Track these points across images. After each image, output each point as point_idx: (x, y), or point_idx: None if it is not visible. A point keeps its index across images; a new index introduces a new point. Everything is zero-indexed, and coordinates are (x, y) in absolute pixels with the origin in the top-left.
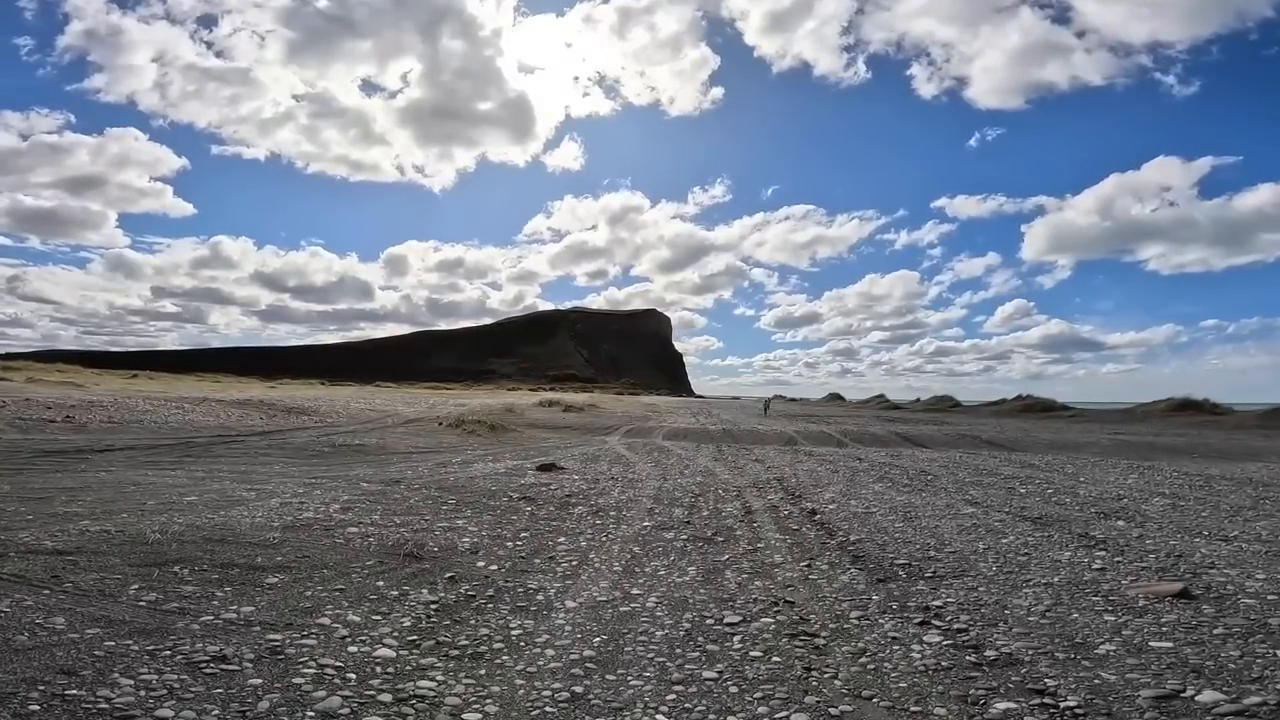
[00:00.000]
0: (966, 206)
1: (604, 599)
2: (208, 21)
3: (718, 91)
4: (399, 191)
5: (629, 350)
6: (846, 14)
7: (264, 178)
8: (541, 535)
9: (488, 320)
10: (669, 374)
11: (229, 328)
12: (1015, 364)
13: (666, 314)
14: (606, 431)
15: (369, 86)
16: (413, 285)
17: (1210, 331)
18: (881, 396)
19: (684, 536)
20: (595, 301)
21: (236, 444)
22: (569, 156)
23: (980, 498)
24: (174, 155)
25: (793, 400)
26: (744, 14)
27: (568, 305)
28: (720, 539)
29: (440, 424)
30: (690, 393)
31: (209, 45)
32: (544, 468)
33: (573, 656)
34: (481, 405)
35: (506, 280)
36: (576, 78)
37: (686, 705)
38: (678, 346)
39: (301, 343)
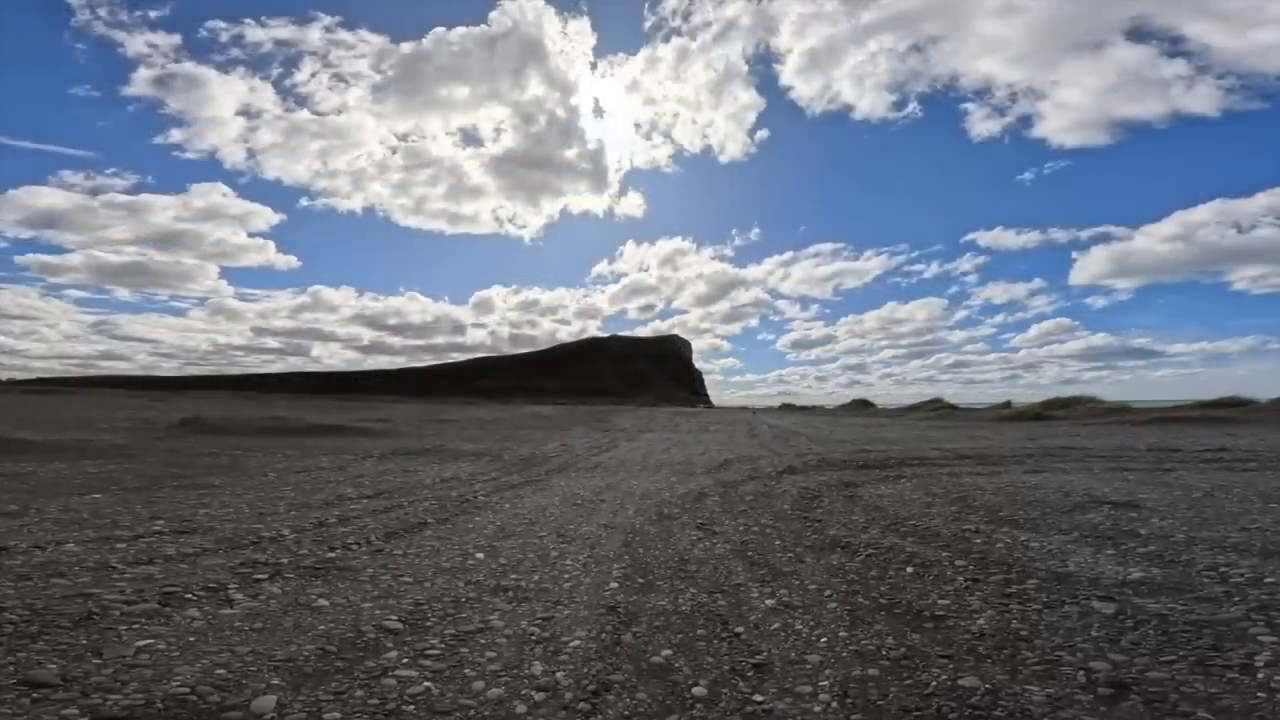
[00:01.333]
0: (1004, 238)
1: None
2: (289, 64)
3: (763, 134)
4: (492, 241)
5: (656, 369)
6: (898, 54)
7: (361, 231)
8: None
9: (544, 347)
10: (691, 388)
11: (331, 359)
12: (1045, 372)
13: (689, 339)
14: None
15: (465, 137)
16: (497, 322)
17: None
18: (938, 401)
19: None
20: (642, 331)
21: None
22: (634, 205)
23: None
24: (270, 210)
25: (803, 408)
26: (789, 50)
27: (607, 334)
28: None
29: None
30: (709, 404)
31: (297, 98)
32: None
33: None
34: (485, 417)
35: (573, 316)
36: (638, 125)
37: None
38: (702, 366)
39: (371, 368)
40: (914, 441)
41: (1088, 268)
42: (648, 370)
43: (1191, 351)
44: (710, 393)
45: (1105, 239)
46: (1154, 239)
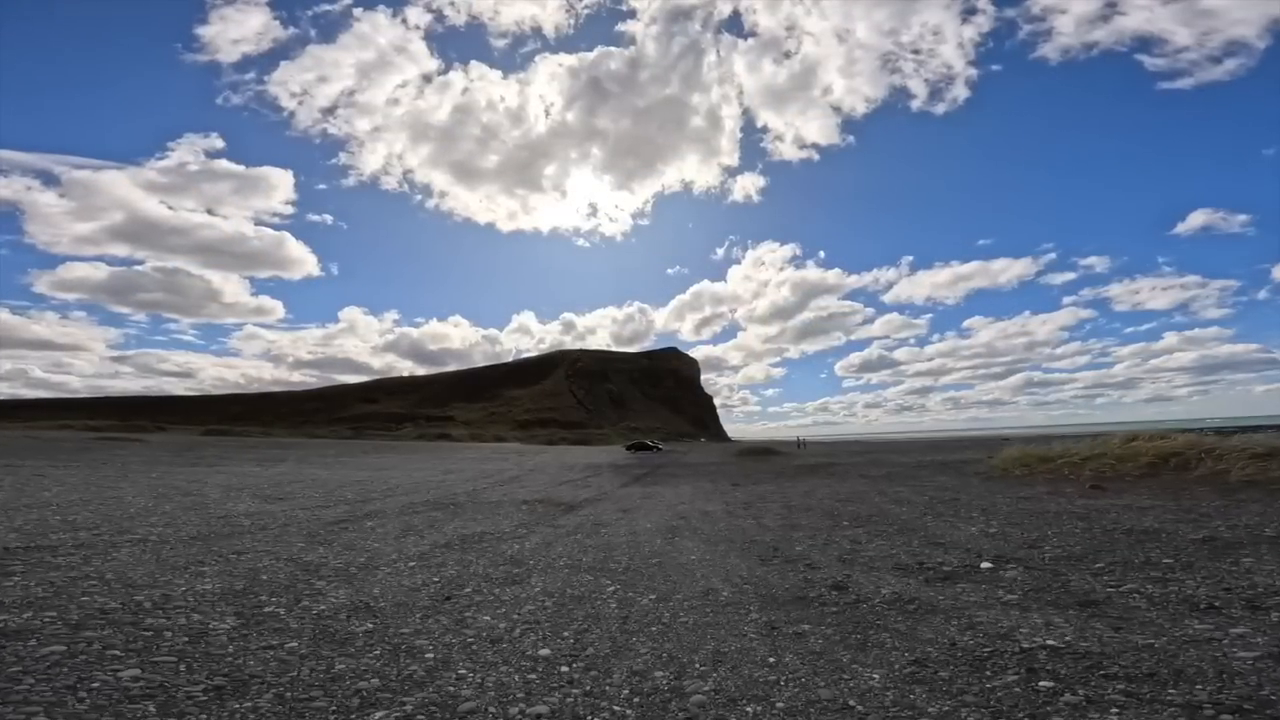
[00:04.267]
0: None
1: None
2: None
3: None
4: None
5: (638, 390)
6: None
7: None
8: None
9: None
10: (690, 416)
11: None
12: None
13: (692, 355)
14: None
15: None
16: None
17: None
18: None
19: None
20: (699, 351)
21: None
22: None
23: None
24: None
25: (864, 444)
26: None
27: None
28: None
29: None
30: (722, 436)
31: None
32: None
33: None
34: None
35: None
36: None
37: None
38: (743, 395)
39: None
40: None
41: None
42: (622, 391)
43: None
44: (742, 423)
45: None
46: None
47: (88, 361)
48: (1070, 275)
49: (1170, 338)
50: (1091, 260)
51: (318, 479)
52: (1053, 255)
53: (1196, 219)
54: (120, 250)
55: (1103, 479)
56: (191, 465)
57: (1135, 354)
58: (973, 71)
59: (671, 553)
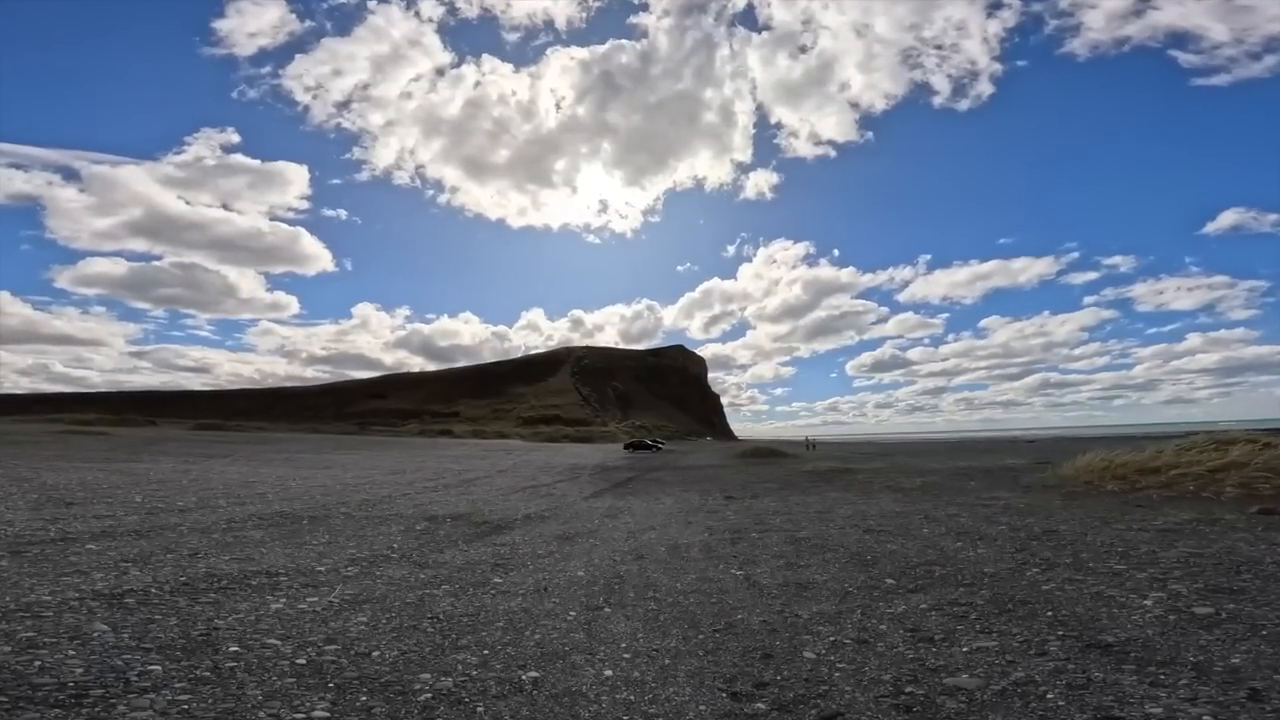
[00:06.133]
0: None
1: None
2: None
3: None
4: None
5: (643, 388)
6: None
7: None
8: None
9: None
10: (697, 414)
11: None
12: (1159, 392)
13: (699, 354)
14: None
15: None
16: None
17: None
18: None
19: None
20: (708, 349)
21: None
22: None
23: None
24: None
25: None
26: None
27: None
28: None
29: None
30: (729, 435)
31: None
32: None
33: None
34: None
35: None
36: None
37: None
38: (752, 394)
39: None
40: None
41: None
42: (628, 389)
43: None
44: (749, 422)
45: None
46: None
47: (107, 356)
48: (1093, 275)
49: (1193, 339)
50: (1116, 259)
51: (203, 479)
52: (1076, 254)
53: (1227, 218)
54: (139, 245)
55: (1264, 498)
56: (104, 461)
57: (1156, 355)
58: (998, 67)
59: (575, 653)
